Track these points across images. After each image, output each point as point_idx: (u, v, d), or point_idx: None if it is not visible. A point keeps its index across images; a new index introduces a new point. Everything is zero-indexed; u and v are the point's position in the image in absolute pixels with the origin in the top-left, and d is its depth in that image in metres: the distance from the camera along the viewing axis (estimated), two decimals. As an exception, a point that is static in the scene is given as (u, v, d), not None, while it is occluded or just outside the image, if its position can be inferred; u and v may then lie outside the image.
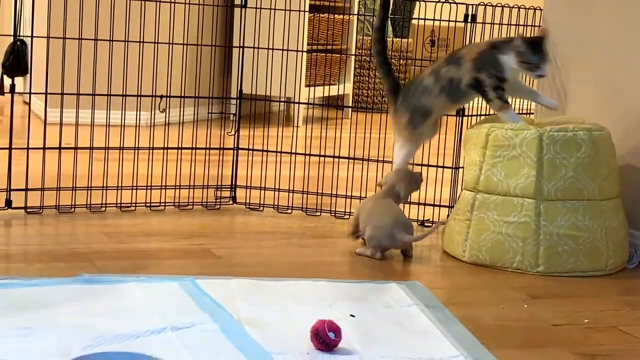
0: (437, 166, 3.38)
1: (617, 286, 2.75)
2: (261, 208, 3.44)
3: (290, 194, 3.45)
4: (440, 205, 3.38)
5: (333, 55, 5.95)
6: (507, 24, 3.45)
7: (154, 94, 3.31)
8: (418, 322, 2.28)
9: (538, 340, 2.24)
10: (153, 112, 3.27)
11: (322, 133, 3.53)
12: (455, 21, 3.42)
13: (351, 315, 2.28)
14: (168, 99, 3.33)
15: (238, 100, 3.52)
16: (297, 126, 5.32)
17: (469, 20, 3.34)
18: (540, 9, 3.50)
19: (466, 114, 3.37)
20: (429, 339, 2.17)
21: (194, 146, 3.39)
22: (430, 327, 2.24)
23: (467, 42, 3.34)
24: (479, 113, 3.42)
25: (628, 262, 2.93)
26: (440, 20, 3.43)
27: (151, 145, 3.30)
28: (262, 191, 3.46)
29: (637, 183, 2.99)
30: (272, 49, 3.48)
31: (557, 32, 3.42)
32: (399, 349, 2.07)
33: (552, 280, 2.75)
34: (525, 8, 3.48)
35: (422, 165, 3.38)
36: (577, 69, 3.34)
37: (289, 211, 3.43)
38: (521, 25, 3.45)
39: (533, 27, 3.48)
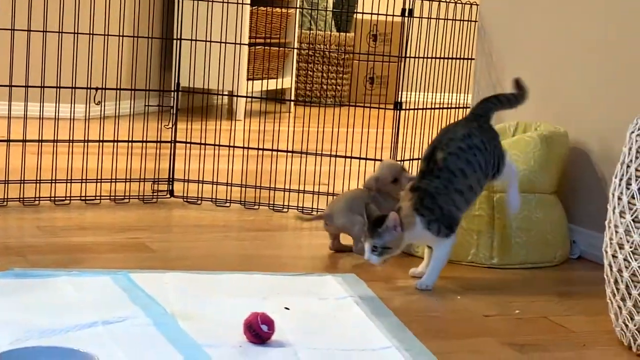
0: (375, 159, 3.40)
1: (551, 277, 2.79)
2: (199, 201, 3.42)
3: (229, 188, 3.44)
4: (378, 199, 3.39)
5: (275, 48, 5.94)
6: (444, 19, 3.48)
7: (89, 86, 3.27)
8: (352, 314, 2.29)
9: (468, 331, 2.27)
10: (88, 105, 3.23)
11: (260, 127, 3.52)
12: (393, 15, 3.44)
13: (285, 308, 2.28)
14: (104, 91, 3.29)
15: (175, 93, 3.49)
16: (239, 120, 5.31)
17: (406, 15, 3.36)
18: (477, 4, 3.54)
19: (404, 107, 3.39)
20: (362, 330, 2.18)
21: (130, 139, 3.36)
22: (363, 319, 2.25)
23: (405, 37, 3.36)
24: (415, 107, 3.45)
25: (571, 252, 2.98)
26: (378, 14, 3.45)
27: (86, 138, 3.26)
28: (200, 184, 3.44)
29: (574, 178, 3.03)
30: (210, 41, 3.46)
31: (493, 27, 3.46)
32: (332, 341, 2.08)
33: (488, 271, 2.78)
34: (462, 3, 3.52)
35: (359, 158, 3.40)
36: (512, 64, 3.38)
37: (227, 204, 3.42)
38: (457, 20, 3.49)
39: (469, 22, 3.52)
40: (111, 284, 2.36)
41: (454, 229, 2.57)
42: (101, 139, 3.30)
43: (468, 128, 2.61)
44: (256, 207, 3.41)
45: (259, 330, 2.03)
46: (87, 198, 3.29)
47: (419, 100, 3.49)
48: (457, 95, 3.55)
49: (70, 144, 3.24)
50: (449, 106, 3.53)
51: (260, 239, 3.05)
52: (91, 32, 3.23)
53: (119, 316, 2.12)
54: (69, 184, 3.25)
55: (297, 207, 3.38)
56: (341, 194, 3.04)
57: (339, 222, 2.85)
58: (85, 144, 3.27)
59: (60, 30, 3.13)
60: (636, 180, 2.12)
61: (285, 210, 3.38)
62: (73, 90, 3.23)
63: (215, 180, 3.43)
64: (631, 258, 2.13)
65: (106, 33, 3.25)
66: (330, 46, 6.65)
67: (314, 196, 3.38)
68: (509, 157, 2.69)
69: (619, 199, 2.19)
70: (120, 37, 3.28)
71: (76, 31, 3.17)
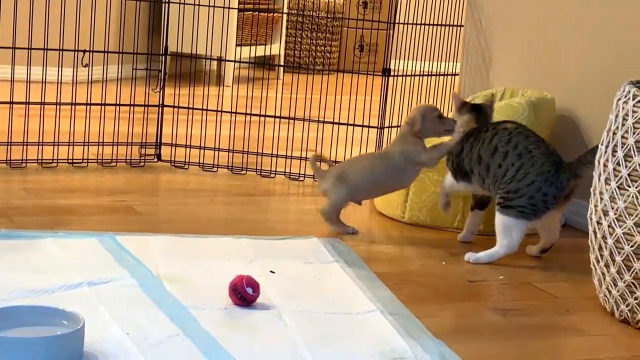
0: (362, 126, 3.40)
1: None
2: (186, 166, 3.42)
3: (216, 152, 3.43)
4: (365, 165, 3.39)
5: (264, 14, 5.90)
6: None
7: (76, 49, 3.25)
8: (337, 278, 2.30)
9: (453, 296, 2.29)
10: (76, 68, 3.21)
11: (248, 93, 3.51)
12: (383, -19, 3.42)
13: (271, 272, 2.29)
14: (91, 54, 3.27)
15: (163, 57, 3.47)
16: (227, 85, 5.29)
17: (396, -19, 3.34)
18: (467, -29, 3.53)
19: (392, 74, 3.38)
20: (347, 294, 2.19)
21: (118, 102, 3.35)
22: (349, 283, 2.27)
23: (394, 3, 3.35)
24: (404, 73, 3.44)
25: None
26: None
27: (74, 101, 3.24)
28: (188, 149, 3.44)
29: (560, 145, 3.02)
30: (199, 5, 3.44)
31: (483, -6, 3.45)
32: (316, 304, 2.10)
33: (475, 238, 2.79)
34: (452, -31, 3.50)
35: (347, 124, 3.40)
36: (501, 31, 3.37)
37: (215, 169, 3.41)
38: (448, -14, 3.47)
39: (459, -10, 3.51)
40: (97, 246, 2.36)
41: None
42: (89, 102, 3.29)
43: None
44: (243, 172, 3.41)
45: (244, 293, 2.04)
46: (74, 161, 3.29)
47: (408, 68, 3.48)
48: (445, 63, 3.54)
49: (58, 106, 3.22)
50: (437, 73, 3.52)
51: (247, 204, 3.05)
52: (79, -6, 3.20)
53: (104, 277, 2.13)
54: (56, 147, 3.24)
55: (285, 172, 3.39)
56: (347, 160, 2.95)
57: (323, 186, 2.81)
58: (73, 106, 3.25)
59: (48, -8, 3.10)
60: (622, 147, 2.13)
61: (272, 175, 3.39)
62: (60, 52, 3.21)
63: (202, 145, 3.43)
64: (615, 225, 2.14)
65: (94, -5, 3.22)
66: (319, 12, 6.62)
67: (302, 162, 3.38)
68: None
69: (605, 166, 2.19)
70: (108, 0, 3.25)
71: (63, -7, 3.14)
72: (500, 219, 2.50)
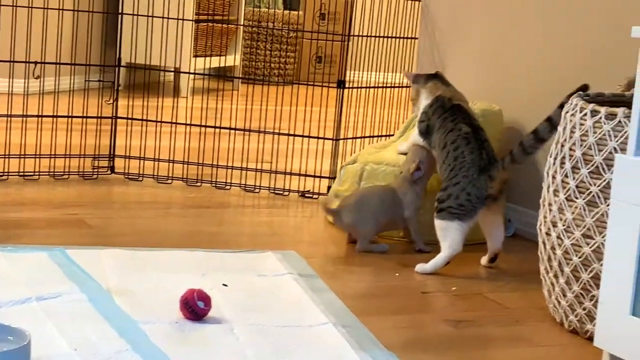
0: (317, 137, 3.40)
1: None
2: (140, 178, 3.40)
3: (171, 164, 3.42)
4: (321, 177, 3.40)
5: (223, 25, 5.90)
6: (390, -3, 3.49)
7: (28, 60, 3.22)
8: (290, 291, 2.30)
9: (406, 307, 2.29)
10: (27, 79, 3.18)
11: (203, 104, 3.50)
12: (337, -7, 3.43)
13: (224, 285, 2.28)
14: (43, 65, 3.24)
15: (117, 68, 3.45)
16: (183, 97, 5.27)
17: (350, -7, 3.36)
18: (420, -17, 3.56)
19: (347, 86, 3.39)
20: (299, 307, 2.19)
21: (70, 114, 3.32)
22: (301, 296, 2.26)
23: (351, 15, 3.36)
24: (360, 84, 3.46)
25: (505, 232, 3.01)
26: (322, -8, 3.44)
27: (25, 113, 3.21)
28: (142, 161, 3.42)
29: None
30: (153, 16, 3.43)
31: (436, 6, 3.48)
32: (269, 317, 2.09)
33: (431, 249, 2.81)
34: (406, -18, 3.53)
35: (302, 136, 3.40)
36: (454, 44, 3.40)
37: (169, 181, 3.40)
38: (401, -1, 3.50)
39: (413, 1, 3.53)
40: (47, 260, 2.33)
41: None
42: (40, 114, 3.25)
43: None
44: (198, 184, 3.40)
45: (195, 307, 2.03)
46: (25, 173, 3.25)
47: (365, 80, 3.50)
48: (401, 75, 3.56)
49: (8, 118, 3.19)
50: (392, 85, 3.54)
51: (202, 216, 3.04)
52: (30, 5, 3.18)
53: (53, 292, 2.10)
54: (6, 159, 3.20)
55: (240, 184, 3.38)
56: (356, 191, 2.89)
57: (347, 220, 2.74)
58: (24, 119, 3.22)
59: (-2, 3, 3.07)
60: (570, 159, 2.16)
61: (227, 187, 3.38)
62: (11, 64, 3.18)
63: (157, 157, 3.41)
64: (564, 236, 2.17)
65: (46, 6, 3.19)
66: (275, 24, 6.62)
67: (257, 174, 3.38)
68: None
69: (553, 177, 2.22)
70: (61, 11, 3.23)
71: (15, 4, 3.11)
72: (437, 224, 2.60)
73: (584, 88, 2.39)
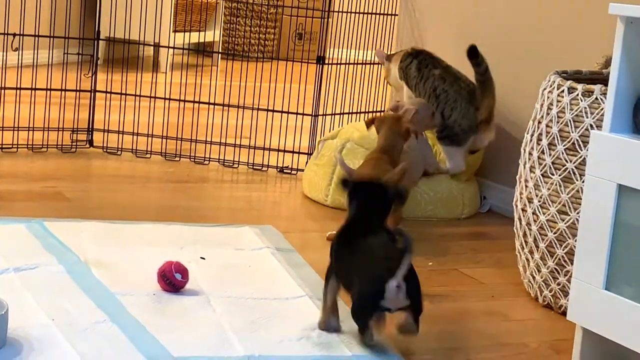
0: (297, 113, 3.41)
1: (464, 231, 2.85)
2: (119, 152, 3.39)
3: (150, 139, 3.41)
4: (299, 153, 3.40)
5: (202, 0, 5.86)
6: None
7: (6, 32, 3.19)
8: (267, 265, 2.31)
9: (382, 282, 2.31)
10: (5, 52, 3.15)
11: (182, 79, 3.49)
12: (319, -31, 3.42)
13: (201, 258, 2.29)
14: (22, 38, 3.22)
15: (96, 42, 3.44)
16: (162, 72, 5.24)
17: (331, -31, 3.35)
18: (401, -39, 3.55)
19: (326, 62, 3.39)
20: (276, 280, 2.20)
21: (49, 87, 3.30)
22: (278, 269, 2.28)
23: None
24: (340, 61, 3.46)
25: (480, 207, 3.04)
26: (303, -33, 3.43)
27: (3, 86, 3.19)
28: (121, 135, 3.41)
29: (500, 138, 3.08)
30: (132, -10, 3.41)
31: (417, -16, 3.48)
32: (245, 290, 2.10)
33: (406, 224, 2.82)
34: (387, -41, 3.52)
35: (282, 112, 3.40)
36: (434, 21, 3.41)
37: (148, 156, 3.39)
38: (382, -25, 3.50)
39: (394, -22, 3.53)
40: (25, 232, 2.33)
41: None
42: (19, 86, 3.23)
43: None
44: (177, 158, 3.40)
45: (172, 279, 2.04)
46: (3, 146, 3.23)
47: (344, 56, 3.50)
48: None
49: (-14, 91, 3.17)
50: (372, 62, 3.54)
51: (180, 191, 3.04)
52: (8, -23, 3.15)
53: (31, 263, 2.11)
54: (-16, 132, 3.19)
55: (219, 159, 3.38)
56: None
57: None
58: (2, 91, 3.20)
59: (-24, -26, 3.04)
60: (546, 135, 2.18)
61: (206, 162, 3.38)
62: (-11, 36, 3.16)
63: (135, 131, 3.40)
64: (539, 212, 2.19)
65: (24, -22, 3.17)
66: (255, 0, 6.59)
67: (236, 149, 3.38)
68: None
69: (530, 154, 2.24)
70: (39, -17, 3.20)
71: (-8, -25, 3.09)
72: (441, 148, 2.92)
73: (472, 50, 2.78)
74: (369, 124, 2.65)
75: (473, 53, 2.80)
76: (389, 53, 3.22)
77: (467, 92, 2.87)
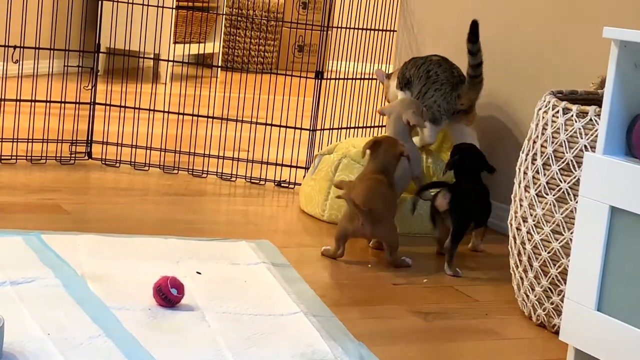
0: (295, 128, 3.42)
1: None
2: (117, 164, 3.41)
3: (148, 151, 3.43)
4: (297, 167, 3.42)
5: (203, 12, 5.89)
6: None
7: (6, 44, 3.21)
8: (263, 280, 2.32)
9: (377, 299, 2.33)
10: (6, 63, 3.17)
11: (182, 91, 3.51)
12: (317, -16, 3.44)
13: (197, 273, 2.30)
14: (22, 49, 3.24)
15: (96, 54, 3.46)
16: (162, 83, 5.27)
17: (331, -16, 3.38)
18: (401, -24, 3.58)
19: (325, 76, 3.41)
20: (271, 296, 2.22)
21: (48, 99, 3.32)
22: (274, 285, 2.29)
23: (331, 6, 3.38)
24: (337, 77, 3.47)
25: None
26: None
27: (3, 97, 3.21)
28: (119, 147, 3.43)
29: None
30: (133, 2, 3.43)
31: (415, 0, 3.50)
32: (240, 305, 2.11)
33: (403, 241, 2.84)
34: (386, -25, 3.54)
35: (280, 126, 3.42)
36: (432, 37, 3.43)
37: (146, 168, 3.41)
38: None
39: (393, -6, 3.55)
40: (22, 245, 2.34)
41: None
42: (18, 98, 3.25)
43: None
44: (175, 171, 3.41)
45: (168, 294, 2.05)
46: (2, 157, 3.25)
47: (344, 70, 3.52)
48: (379, 66, 3.58)
49: (-14, 102, 3.19)
50: (370, 77, 3.56)
51: (178, 204, 3.06)
52: (10, -11, 3.17)
53: (27, 277, 2.12)
54: (-17, 143, 3.21)
55: (217, 172, 3.40)
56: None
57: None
58: (2, 102, 3.22)
59: (-23, -14, 3.07)
60: (541, 155, 2.19)
61: (204, 175, 3.39)
62: (-10, 47, 3.18)
63: (134, 143, 3.42)
64: (534, 231, 2.20)
65: (25, -10, 3.19)
66: (256, 12, 6.62)
67: (234, 162, 3.40)
68: None
69: (525, 173, 2.26)
70: (40, -5, 3.22)
71: (-6, -13, 3.11)
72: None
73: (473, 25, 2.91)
74: (368, 148, 2.68)
75: (474, 32, 2.91)
76: (388, 72, 3.28)
77: (457, 81, 2.99)
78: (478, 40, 2.92)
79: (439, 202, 2.63)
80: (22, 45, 3.23)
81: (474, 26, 2.93)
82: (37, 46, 3.26)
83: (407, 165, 2.74)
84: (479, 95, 2.97)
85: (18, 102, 3.26)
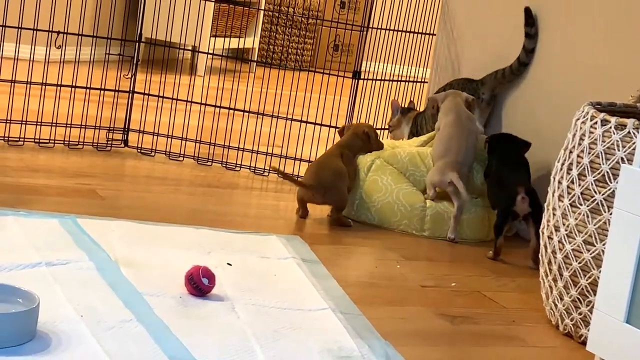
0: (329, 126, 3.44)
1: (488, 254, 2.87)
2: (153, 153, 3.44)
3: (183, 142, 3.46)
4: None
5: (243, 7, 5.92)
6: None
7: (50, 29, 3.26)
8: (292, 275, 2.34)
9: (404, 299, 2.34)
10: (49, 48, 3.22)
11: (219, 84, 3.54)
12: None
13: (228, 264, 2.33)
14: (65, 35, 3.28)
15: (137, 44, 3.49)
16: (199, 75, 5.30)
17: (373, -15, 3.39)
18: (443, -19, 3.58)
19: (362, 77, 3.43)
20: (300, 291, 2.24)
21: (88, 86, 3.36)
22: (303, 280, 2.31)
23: (371, 7, 3.39)
24: (374, 77, 3.49)
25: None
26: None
27: (44, 81, 3.25)
28: (155, 137, 3.46)
29: (530, 165, 3.10)
30: (176, -6, 3.46)
31: (456, 3, 3.50)
32: (269, 298, 2.14)
33: (432, 243, 2.85)
34: (428, -22, 3.55)
35: (315, 124, 3.44)
36: (471, 42, 3.43)
37: (181, 159, 3.44)
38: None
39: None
40: (58, 227, 2.38)
41: None
42: (59, 83, 3.30)
43: None
44: (209, 163, 3.44)
45: (199, 283, 2.08)
46: (40, 141, 3.30)
47: (380, 71, 3.53)
48: (416, 69, 3.59)
49: (28, 85, 3.23)
50: (407, 79, 3.57)
51: (210, 195, 3.08)
52: (56, -25, 3.21)
53: (63, 259, 2.15)
54: (23, 125, 3.25)
55: (250, 166, 3.42)
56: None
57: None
58: (43, 86, 3.27)
59: (25, -29, 3.11)
60: (577, 166, 2.19)
61: (237, 168, 3.42)
62: (34, 32, 3.22)
63: (170, 133, 3.45)
64: (565, 241, 2.21)
65: (71, -23, 3.23)
66: (296, 9, 6.64)
67: (267, 157, 3.42)
68: None
69: (559, 183, 2.26)
70: (86, -17, 3.27)
71: (41, -27, 3.15)
72: None
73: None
74: (339, 132, 3.19)
75: (529, 16, 3.06)
76: (403, 106, 3.46)
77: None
78: (535, 23, 3.04)
79: (520, 207, 2.72)
80: (65, 31, 3.27)
81: (528, 12, 3.04)
82: (80, 33, 3.31)
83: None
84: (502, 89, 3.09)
85: (59, 87, 3.31)
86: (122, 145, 3.48)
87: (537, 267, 2.61)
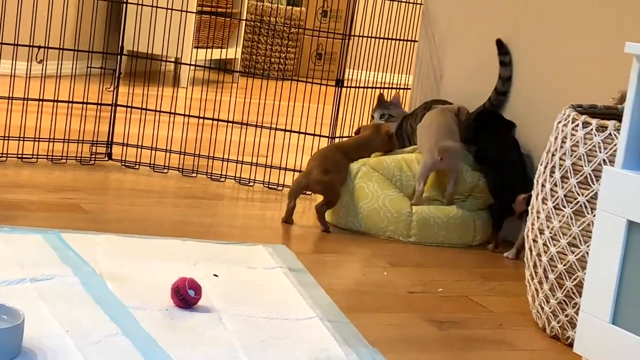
0: (314, 135, 3.44)
1: (475, 258, 2.87)
2: (137, 166, 3.44)
3: (168, 154, 3.45)
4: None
5: (225, 18, 5.93)
6: (391, 0, 3.52)
7: (31, 44, 3.25)
8: (279, 284, 2.34)
9: (392, 306, 2.34)
10: (30, 63, 3.21)
11: (202, 95, 3.54)
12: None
13: (214, 275, 2.32)
14: (46, 50, 3.27)
15: (119, 57, 3.49)
16: (182, 87, 5.30)
17: (353, -7, 3.39)
18: (423, -13, 3.59)
19: (345, 85, 3.43)
20: (287, 300, 2.23)
21: (70, 100, 3.35)
22: (290, 289, 2.30)
23: (352, 15, 3.40)
24: (357, 85, 3.49)
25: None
26: (326, -10, 3.47)
27: (26, 96, 3.24)
28: (139, 149, 3.45)
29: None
30: (157, 6, 3.46)
31: (437, 10, 3.52)
32: (256, 308, 2.13)
33: (419, 249, 2.86)
34: (409, -15, 3.56)
35: (299, 132, 3.44)
36: (453, 48, 3.44)
37: (165, 171, 3.44)
38: (404, 1, 3.54)
39: (415, 5, 3.57)
40: (42, 242, 2.37)
41: None
42: (41, 97, 3.29)
43: None
44: (194, 174, 3.44)
45: (185, 295, 2.07)
46: (23, 156, 3.28)
47: (362, 79, 3.54)
48: (398, 76, 3.60)
49: (10, 101, 3.22)
50: (390, 86, 3.58)
51: (195, 206, 3.08)
52: (36, -10, 3.21)
53: (47, 274, 2.14)
54: (5, 141, 3.24)
55: (235, 177, 3.42)
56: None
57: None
58: (25, 102, 3.25)
59: (5, -14, 3.10)
60: (560, 168, 2.20)
61: (222, 179, 3.42)
62: (15, 47, 3.21)
63: (154, 145, 3.45)
64: (550, 243, 2.21)
65: (51, -9, 3.23)
66: (278, 19, 6.65)
67: (252, 167, 3.42)
68: None
69: (543, 186, 2.26)
70: (66, -3, 3.26)
71: (21, -12, 3.14)
72: None
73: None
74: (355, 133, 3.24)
75: (502, 47, 3.10)
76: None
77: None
78: (509, 52, 3.05)
79: (518, 205, 2.82)
80: (46, 45, 3.27)
81: (500, 44, 3.10)
82: (62, 47, 3.30)
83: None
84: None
85: (41, 102, 3.30)
86: (106, 158, 3.47)
87: (517, 258, 2.79)
